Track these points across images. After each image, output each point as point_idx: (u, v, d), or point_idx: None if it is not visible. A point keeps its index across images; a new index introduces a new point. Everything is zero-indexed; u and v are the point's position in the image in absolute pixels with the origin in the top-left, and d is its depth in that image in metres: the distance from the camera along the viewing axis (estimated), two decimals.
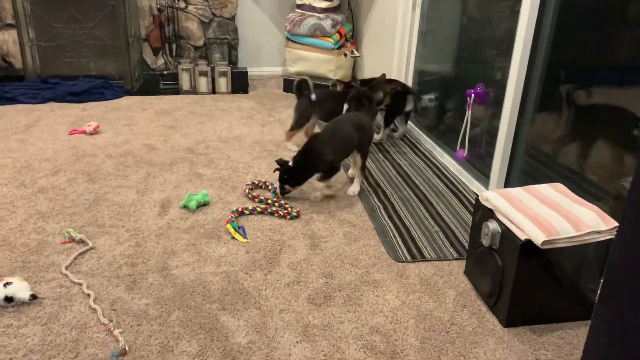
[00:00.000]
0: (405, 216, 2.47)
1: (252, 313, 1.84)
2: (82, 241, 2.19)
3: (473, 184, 2.79)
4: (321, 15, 4.12)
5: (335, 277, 2.04)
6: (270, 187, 2.70)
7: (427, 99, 3.49)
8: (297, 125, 3.12)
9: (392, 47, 3.65)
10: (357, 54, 4.33)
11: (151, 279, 1.99)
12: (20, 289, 1.83)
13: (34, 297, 1.84)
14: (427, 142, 3.31)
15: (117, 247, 2.18)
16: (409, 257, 2.16)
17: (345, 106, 2.93)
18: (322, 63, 4.14)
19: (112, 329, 1.73)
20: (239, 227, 2.33)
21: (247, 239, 2.27)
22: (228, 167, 2.94)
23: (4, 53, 4.07)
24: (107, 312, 1.81)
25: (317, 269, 2.09)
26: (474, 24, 2.94)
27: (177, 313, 1.83)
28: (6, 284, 1.82)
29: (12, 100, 3.74)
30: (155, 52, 4.26)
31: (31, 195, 2.56)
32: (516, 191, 1.92)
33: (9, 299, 1.80)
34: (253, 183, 2.72)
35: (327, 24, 4.08)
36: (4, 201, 2.49)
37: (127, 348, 1.66)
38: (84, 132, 3.28)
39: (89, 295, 1.88)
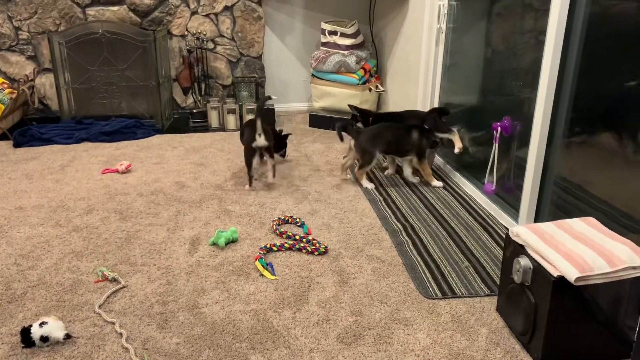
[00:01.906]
0: (435, 251, 2.44)
1: (281, 352, 1.83)
2: (114, 280, 2.23)
3: (502, 217, 2.75)
4: (345, 52, 4.20)
5: (364, 315, 2.03)
6: (298, 222, 2.72)
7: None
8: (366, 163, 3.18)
9: (417, 81, 3.69)
10: (381, 88, 4.38)
11: (182, 318, 2.01)
12: (55, 328, 1.86)
13: (68, 336, 1.88)
14: (455, 175, 3.30)
15: (149, 286, 2.21)
16: (439, 294, 2.13)
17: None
18: (347, 98, 4.20)
19: None
20: (267, 264, 2.34)
21: (275, 276, 2.28)
22: (256, 203, 2.97)
23: (41, 96, 4.24)
24: (139, 352, 1.83)
25: (346, 306, 2.08)
26: (498, 56, 2.95)
27: (208, 352, 1.83)
28: (42, 324, 1.86)
29: (48, 141, 3.88)
30: (185, 91, 4.38)
31: (66, 234, 2.63)
32: (547, 226, 1.89)
33: (44, 339, 1.84)
34: (280, 219, 2.74)
35: (351, 60, 4.15)
36: (40, 240, 2.56)
37: None
38: (117, 171, 3.37)
39: (121, 334, 1.91)
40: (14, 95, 3.97)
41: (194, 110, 4.38)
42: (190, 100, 4.43)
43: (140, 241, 2.56)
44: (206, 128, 4.25)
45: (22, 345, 1.84)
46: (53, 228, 2.68)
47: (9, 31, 4.05)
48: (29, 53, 4.13)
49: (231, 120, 4.23)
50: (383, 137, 3.11)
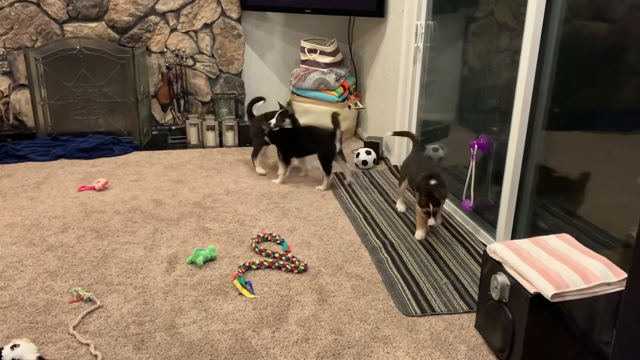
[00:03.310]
0: (414, 268, 2.45)
1: None
2: (90, 300, 2.19)
3: (480, 234, 2.78)
4: (325, 70, 4.23)
5: (344, 333, 2.02)
6: (277, 240, 2.70)
7: (432, 148, 3.53)
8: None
9: (395, 98, 3.73)
10: (360, 105, 4.42)
11: (159, 338, 1.97)
12: (27, 351, 1.81)
13: (40, 359, 1.83)
14: None
15: (125, 305, 2.17)
16: (418, 311, 2.13)
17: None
18: (326, 115, 4.21)
19: None
20: (246, 283, 2.32)
21: (254, 294, 2.26)
22: (235, 220, 2.96)
23: (17, 112, 4.18)
24: None
25: (326, 325, 2.06)
26: (474, 75, 3.00)
27: None
28: (13, 347, 1.81)
29: (23, 158, 3.81)
30: (164, 108, 4.36)
31: (40, 253, 2.57)
32: (524, 243, 1.91)
33: None
34: (259, 236, 2.72)
35: (331, 78, 4.18)
36: (13, 260, 2.51)
37: None
38: (93, 189, 3.32)
39: (96, 356, 1.87)
40: None
41: (173, 127, 4.35)
42: (169, 116, 4.41)
43: (117, 260, 2.52)
44: (185, 145, 4.22)
45: None
46: (26, 247, 2.63)
47: None
48: (4, 69, 4.08)
49: (210, 137, 4.21)
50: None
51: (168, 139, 4.27)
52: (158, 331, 2.02)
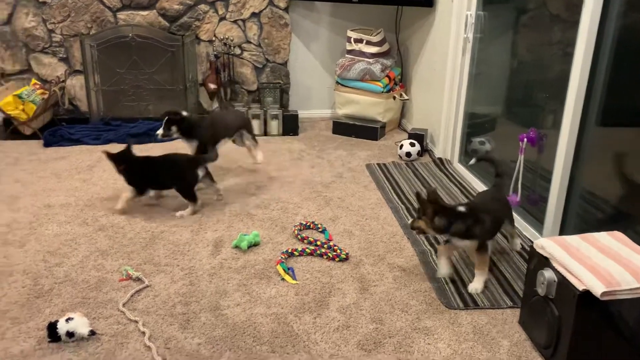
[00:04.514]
0: (457, 261, 2.43)
1: (301, 357, 1.84)
2: (138, 279, 2.27)
3: (527, 230, 2.72)
4: (371, 60, 4.21)
5: (385, 322, 2.02)
6: (318, 228, 2.72)
7: (478, 141, 3.47)
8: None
9: (442, 90, 3.68)
10: (405, 97, 4.38)
11: (204, 319, 2.03)
12: (80, 324, 1.90)
13: (92, 333, 1.91)
14: (478, 185, 3.28)
15: (172, 286, 2.24)
16: (461, 305, 2.12)
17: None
18: (370, 106, 4.21)
19: None
20: (288, 269, 2.36)
21: (296, 280, 2.29)
22: (278, 207, 2.99)
23: (72, 97, 4.33)
24: (162, 351, 1.85)
25: (367, 313, 2.08)
26: (525, 67, 2.93)
27: (229, 354, 1.85)
28: (68, 319, 1.90)
29: (77, 142, 3.95)
30: (211, 96, 4.43)
31: (92, 233, 2.67)
32: (573, 239, 1.87)
33: (70, 334, 1.88)
34: (302, 224, 2.75)
35: (376, 68, 4.15)
36: (67, 238, 2.62)
37: None
38: None
39: (144, 333, 1.93)
40: (45, 96, 4.06)
41: None
42: (215, 104, 4.48)
43: (165, 242, 2.60)
44: None
45: (49, 339, 1.88)
46: (80, 226, 2.74)
47: (42, 34, 4.15)
48: (61, 55, 4.23)
49: (255, 126, 4.26)
50: None
51: None
52: (203, 312, 2.07)
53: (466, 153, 3.58)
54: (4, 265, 2.36)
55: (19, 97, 3.92)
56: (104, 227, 2.73)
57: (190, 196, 2.89)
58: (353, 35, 4.28)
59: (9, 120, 4.04)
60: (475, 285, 2.20)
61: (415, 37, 4.26)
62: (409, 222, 2.33)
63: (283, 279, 2.30)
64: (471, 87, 3.46)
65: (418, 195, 2.17)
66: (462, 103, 3.53)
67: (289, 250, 2.48)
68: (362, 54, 4.25)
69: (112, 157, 2.85)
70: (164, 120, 3.10)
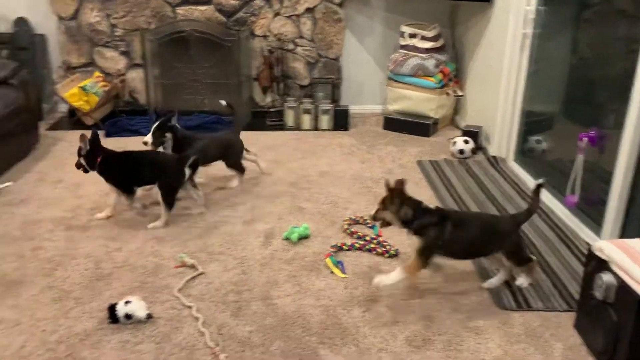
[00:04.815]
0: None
1: (350, 349, 1.86)
2: (193, 266, 2.34)
3: (584, 232, 2.64)
4: (424, 55, 4.16)
5: (435, 320, 2.01)
6: (369, 223, 2.73)
7: (534, 140, 3.39)
8: None
9: (498, 86, 3.60)
10: (460, 93, 4.31)
11: (255, 307, 2.08)
12: (138, 307, 1.98)
13: (149, 316, 1.99)
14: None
15: (225, 274, 2.30)
16: (514, 305, 2.08)
17: None
18: (423, 102, 4.16)
19: (217, 353, 1.82)
20: (338, 262, 2.37)
21: (345, 274, 2.31)
22: (328, 201, 3.01)
23: (131, 89, 4.49)
24: (214, 337, 1.91)
25: (416, 310, 2.07)
26: (586, 64, 2.83)
27: (279, 343, 1.89)
28: (127, 302, 1.99)
29: (136, 133, 4.09)
30: (264, 90, 4.50)
31: (150, 221, 2.76)
32: (634, 242, 1.80)
33: (128, 316, 1.96)
34: (352, 219, 2.76)
35: (430, 63, 4.11)
36: (126, 225, 2.72)
37: None
38: None
39: (197, 318, 2.00)
40: (107, 88, 4.23)
41: (271, 109, 4.49)
42: (268, 99, 4.54)
43: (218, 231, 2.67)
44: (282, 127, 4.34)
45: (109, 320, 1.98)
46: (138, 214, 2.84)
47: (105, 28, 4.31)
48: (122, 49, 4.39)
49: (306, 120, 4.30)
50: None
51: (266, 120, 4.41)
52: (254, 300, 2.12)
53: (522, 152, 3.49)
54: (68, 248, 2.49)
55: (83, 89, 4.10)
56: (160, 216, 2.82)
57: (171, 200, 2.68)
58: (407, 30, 4.24)
59: (73, 111, 4.23)
60: (380, 279, 2.05)
61: (471, 33, 4.18)
62: (372, 212, 2.16)
63: (332, 273, 2.32)
64: (529, 84, 3.37)
65: (387, 184, 2.12)
66: (518, 100, 3.44)
67: (338, 245, 2.50)
68: (415, 49, 4.21)
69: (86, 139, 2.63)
70: (156, 125, 2.80)
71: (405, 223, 2.07)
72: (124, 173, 2.72)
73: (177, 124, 2.93)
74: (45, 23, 4.34)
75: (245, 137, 4.07)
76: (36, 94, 3.92)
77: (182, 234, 2.63)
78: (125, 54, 4.40)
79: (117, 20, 4.31)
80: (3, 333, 1.93)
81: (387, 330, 1.95)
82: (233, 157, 3.15)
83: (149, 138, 2.80)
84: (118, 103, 4.47)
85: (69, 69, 4.40)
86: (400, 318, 2.02)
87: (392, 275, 2.04)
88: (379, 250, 2.47)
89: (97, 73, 4.35)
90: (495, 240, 2.10)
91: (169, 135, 2.82)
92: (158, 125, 2.82)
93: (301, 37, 4.44)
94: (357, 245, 2.51)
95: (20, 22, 4.29)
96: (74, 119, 4.23)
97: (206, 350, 1.85)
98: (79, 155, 2.69)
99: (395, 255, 2.44)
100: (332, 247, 2.48)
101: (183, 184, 2.72)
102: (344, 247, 2.50)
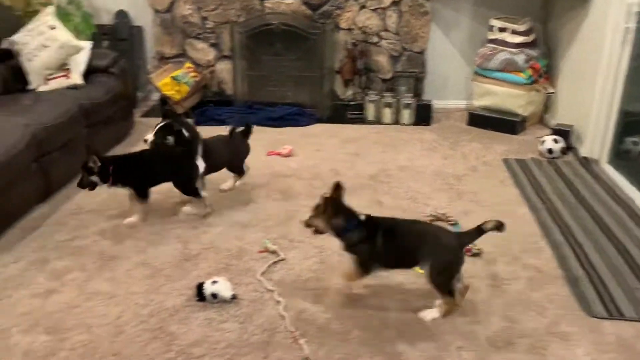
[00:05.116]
0: (601, 268, 2.26)
1: (428, 345, 1.85)
2: (275, 252, 2.41)
3: None
4: (514, 50, 4.01)
5: (518, 322, 1.95)
6: (450, 221, 2.68)
7: (631, 141, 3.18)
8: None
9: (593, 84, 3.40)
10: (551, 90, 4.12)
11: (333, 296, 2.11)
12: (224, 288, 2.07)
13: (234, 297, 2.07)
14: (630, 190, 3.00)
15: (305, 262, 2.35)
16: (604, 313, 1.97)
17: None
18: (511, 98, 4.02)
19: (297, 337, 1.87)
20: None
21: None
22: (408, 197, 2.99)
23: (220, 80, 4.66)
24: (294, 321, 1.96)
25: (498, 311, 2.02)
26: None
27: (357, 332, 1.91)
28: (214, 282, 2.08)
29: (222, 122, 4.25)
30: (346, 83, 4.52)
31: (234, 206, 2.87)
32: None
33: (214, 295, 2.06)
34: (432, 215, 2.73)
35: (520, 58, 3.95)
36: (213, 208, 2.83)
37: (310, 357, 1.78)
38: (280, 154, 3.60)
39: (279, 302, 2.06)
40: (197, 79, 4.42)
41: (352, 102, 4.50)
42: (349, 92, 4.56)
43: (298, 221, 2.71)
44: (362, 120, 4.35)
45: (196, 298, 2.08)
46: (223, 199, 2.94)
47: (197, 21, 4.50)
48: (212, 41, 4.56)
49: (387, 114, 4.28)
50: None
51: (347, 113, 4.43)
52: (333, 289, 2.15)
53: (617, 153, 3.29)
54: (160, 230, 2.63)
55: (175, 78, 4.31)
56: (245, 202, 2.92)
57: (193, 191, 2.66)
58: (497, 23, 4.10)
59: (164, 100, 4.45)
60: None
61: (565, 27, 3.98)
62: (305, 219, 2.07)
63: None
64: (628, 81, 3.17)
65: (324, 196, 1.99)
66: (616, 98, 3.24)
67: None
68: (505, 43, 4.07)
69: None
70: (159, 126, 2.70)
71: (337, 234, 2.01)
72: (139, 174, 2.65)
73: (184, 130, 2.74)
74: (142, 15, 4.58)
75: (325, 129, 4.14)
76: (133, 83, 4.17)
77: (264, 221, 2.71)
78: (215, 45, 4.57)
79: (208, 13, 4.48)
80: (102, 303, 2.08)
81: (468, 329, 1.92)
82: (237, 160, 3.03)
83: (150, 136, 2.69)
84: (206, 93, 4.65)
85: (162, 59, 4.63)
86: (481, 318, 1.98)
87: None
88: None
89: (188, 64, 4.54)
90: (428, 251, 1.93)
91: (171, 138, 2.68)
92: (162, 127, 2.70)
93: (386, 30, 4.41)
94: None
95: (121, 15, 4.57)
96: (165, 107, 4.45)
97: (286, 334, 1.90)
98: (90, 173, 2.53)
99: (478, 254, 2.38)
100: None
101: (198, 177, 2.66)
102: None
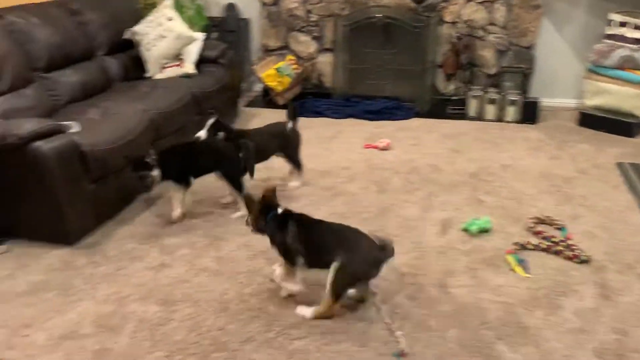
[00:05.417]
0: None
1: (530, 350, 1.79)
2: None
3: None
4: (634, 47, 3.72)
5: (630, 335, 1.83)
6: (556, 225, 2.56)
7: None
8: None
9: None
10: None
11: (430, 293, 2.09)
12: None
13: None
14: None
15: (401, 257, 2.34)
16: None
17: None
18: (629, 98, 3.74)
19: (394, 330, 1.87)
20: (520, 260, 2.27)
21: (528, 274, 2.20)
22: (511, 197, 2.89)
23: (320, 73, 4.74)
24: (390, 314, 1.97)
25: (608, 322, 1.91)
26: None
27: (454, 331, 1.88)
28: None
29: (320, 114, 4.32)
30: (448, 77, 4.43)
31: (331, 197, 2.92)
32: None
33: None
34: (538, 218, 2.61)
35: None
36: (311, 199, 2.90)
37: (406, 350, 1.78)
38: (377, 147, 3.60)
39: (374, 294, 2.07)
40: (298, 71, 4.52)
41: (453, 97, 4.40)
42: (451, 86, 4.46)
43: (395, 214, 2.72)
44: (463, 116, 4.24)
45: None
46: (321, 190, 3.00)
47: (302, 13, 4.59)
48: (314, 34, 4.64)
49: (490, 110, 4.14)
50: None
51: (447, 108, 4.34)
52: (430, 286, 2.13)
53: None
54: None
55: (278, 70, 4.43)
56: (341, 193, 2.96)
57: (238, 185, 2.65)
58: (617, 17, 3.82)
59: (266, 90, 4.60)
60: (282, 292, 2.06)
61: None
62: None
63: (513, 270, 2.23)
64: None
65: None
66: None
67: (522, 243, 2.39)
68: (624, 39, 3.78)
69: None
70: (210, 123, 2.73)
71: (261, 231, 2.04)
72: (182, 164, 2.64)
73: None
74: (250, 8, 4.75)
75: (424, 124, 4.08)
76: (239, 74, 4.34)
77: (361, 213, 2.73)
78: (317, 38, 4.64)
79: (312, 6, 4.56)
80: (208, 279, 2.21)
81: (573, 338, 1.83)
82: (291, 149, 2.99)
83: (203, 134, 2.72)
84: (305, 85, 4.75)
85: (266, 51, 4.78)
86: (588, 327, 1.88)
87: (285, 289, 2.06)
88: (567, 253, 2.30)
89: (290, 56, 4.65)
90: (342, 253, 1.87)
91: (221, 133, 2.74)
92: (213, 123, 2.74)
93: (493, 24, 4.26)
94: (543, 245, 2.37)
95: (230, 7, 4.77)
96: (267, 98, 4.60)
97: (382, 325, 1.91)
98: (150, 168, 2.49)
99: (586, 261, 2.26)
100: (515, 244, 2.38)
101: (243, 171, 2.67)
102: (529, 246, 2.37)
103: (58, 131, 2.40)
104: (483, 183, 3.06)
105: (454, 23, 4.33)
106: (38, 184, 2.34)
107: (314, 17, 4.58)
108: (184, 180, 2.66)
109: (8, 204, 2.45)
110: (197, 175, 2.72)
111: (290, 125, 2.96)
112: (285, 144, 2.96)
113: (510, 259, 2.28)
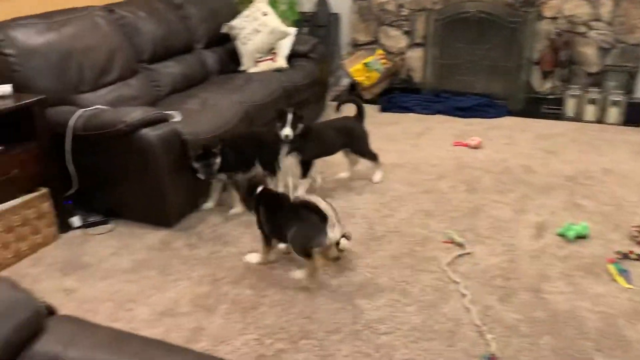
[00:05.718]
0: None
1: None
2: (460, 245, 2.38)
3: None
4: None
5: None
6: None
7: None
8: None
9: None
10: None
11: (523, 297, 2.02)
12: None
13: None
14: None
15: (492, 258, 2.28)
16: None
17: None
18: None
19: (484, 333, 1.83)
20: (622, 270, 2.14)
21: (631, 285, 2.07)
22: (612, 203, 2.72)
23: (409, 68, 4.68)
24: (480, 316, 1.92)
25: None
26: None
27: (548, 338, 1.81)
28: None
29: (408, 110, 4.28)
30: (545, 75, 4.23)
31: (418, 193, 2.89)
32: None
33: None
34: (637, 227, 2.45)
35: None
36: (397, 194, 2.89)
37: (497, 355, 1.74)
38: (467, 145, 3.52)
39: (464, 295, 2.03)
40: (387, 66, 4.49)
41: (549, 96, 4.20)
42: (547, 84, 4.26)
43: (486, 215, 2.65)
44: (559, 116, 4.04)
45: None
46: (407, 186, 2.98)
47: (393, 8, 4.56)
48: (405, 28, 4.59)
49: (590, 111, 3.92)
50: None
51: (542, 107, 4.15)
52: (523, 290, 2.06)
53: None
54: (348, 208, 2.74)
55: (367, 65, 4.43)
56: (429, 191, 2.92)
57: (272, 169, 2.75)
58: None
59: (353, 85, 4.61)
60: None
61: None
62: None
63: (614, 280, 2.11)
64: None
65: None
66: None
67: (625, 252, 2.25)
68: None
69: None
70: (292, 118, 2.67)
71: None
72: (233, 157, 2.68)
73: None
74: (340, 3, 4.78)
75: (516, 122, 3.93)
76: (328, 68, 4.39)
77: (450, 212, 2.68)
78: (408, 33, 4.59)
79: (404, 0, 4.51)
80: (295, 269, 2.25)
81: None
82: (357, 143, 2.98)
83: (289, 132, 2.67)
84: (394, 80, 4.71)
85: (355, 46, 4.79)
86: None
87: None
88: None
89: (380, 51, 4.63)
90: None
91: (300, 125, 2.72)
92: (293, 119, 2.71)
93: (597, 19, 4.02)
94: None
95: (321, 2, 4.82)
96: (354, 92, 4.61)
97: (471, 327, 1.88)
98: (214, 157, 2.58)
99: None
100: (617, 253, 2.25)
101: (279, 162, 2.75)
102: (632, 255, 2.24)
103: (163, 120, 2.54)
104: (581, 187, 2.91)
105: (553, 18, 4.13)
106: (143, 169, 2.50)
107: (405, 12, 4.53)
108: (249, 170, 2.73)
109: (114, 186, 2.63)
110: (246, 168, 2.74)
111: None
112: (350, 139, 2.97)
113: (612, 268, 2.15)
